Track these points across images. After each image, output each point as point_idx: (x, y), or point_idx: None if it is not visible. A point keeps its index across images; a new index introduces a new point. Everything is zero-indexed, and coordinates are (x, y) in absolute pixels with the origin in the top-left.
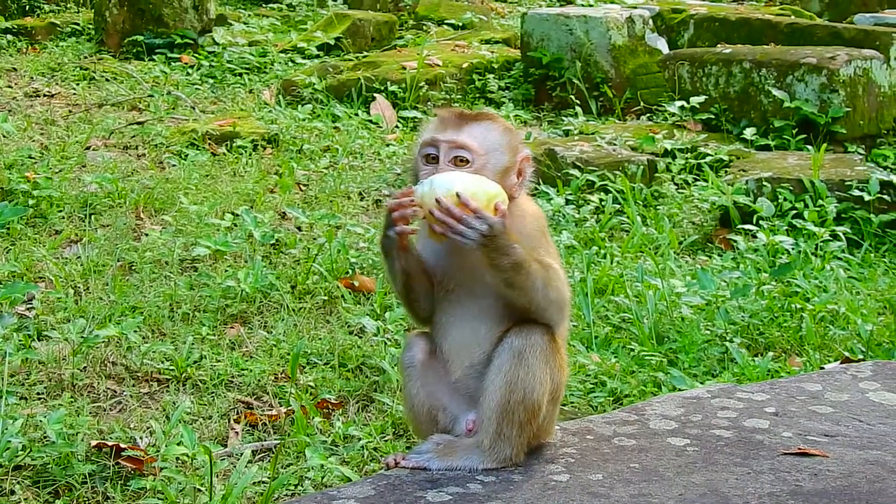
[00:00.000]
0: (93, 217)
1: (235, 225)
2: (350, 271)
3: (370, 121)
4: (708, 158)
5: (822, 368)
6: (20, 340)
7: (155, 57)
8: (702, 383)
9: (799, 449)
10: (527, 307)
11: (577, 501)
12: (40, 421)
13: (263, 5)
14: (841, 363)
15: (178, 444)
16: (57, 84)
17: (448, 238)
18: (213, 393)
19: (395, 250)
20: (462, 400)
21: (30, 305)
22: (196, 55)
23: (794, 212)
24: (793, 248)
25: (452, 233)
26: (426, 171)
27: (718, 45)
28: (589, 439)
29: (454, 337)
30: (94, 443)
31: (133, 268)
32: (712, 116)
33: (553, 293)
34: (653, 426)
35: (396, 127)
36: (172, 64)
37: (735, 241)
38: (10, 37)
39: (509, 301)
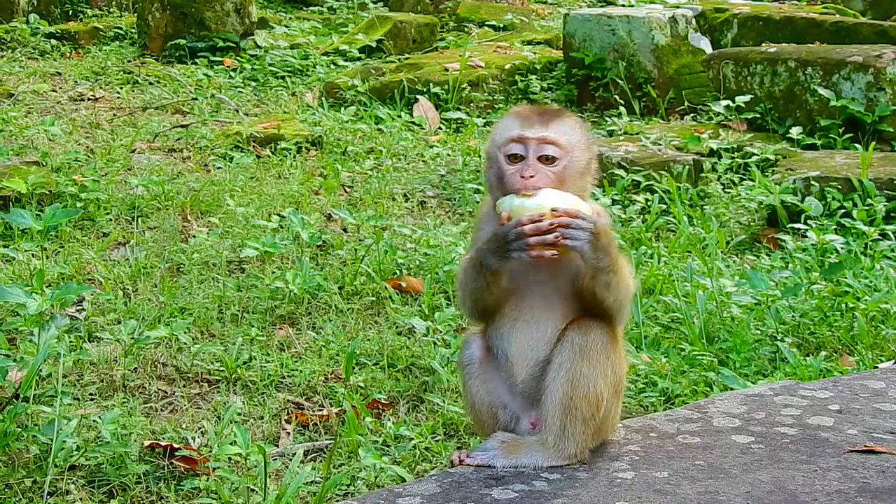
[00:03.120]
0: (140, 219)
1: (282, 226)
2: (397, 272)
3: (413, 122)
4: (754, 158)
5: (876, 368)
6: (72, 342)
7: (197, 60)
8: (753, 383)
9: (865, 446)
10: (610, 306)
11: (643, 499)
12: (94, 421)
13: (304, 8)
14: (894, 363)
15: (231, 444)
16: (101, 88)
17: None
18: (263, 393)
19: (503, 269)
20: (523, 399)
21: (80, 307)
22: (238, 58)
23: (843, 211)
24: (842, 248)
25: (565, 237)
26: (512, 170)
27: (763, 45)
28: (652, 437)
29: (520, 339)
30: (147, 443)
31: (181, 269)
32: (757, 116)
33: (631, 289)
34: (716, 424)
35: (439, 128)
36: (215, 67)
37: (783, 241)
38: (54, 41)
39: (596, 302)
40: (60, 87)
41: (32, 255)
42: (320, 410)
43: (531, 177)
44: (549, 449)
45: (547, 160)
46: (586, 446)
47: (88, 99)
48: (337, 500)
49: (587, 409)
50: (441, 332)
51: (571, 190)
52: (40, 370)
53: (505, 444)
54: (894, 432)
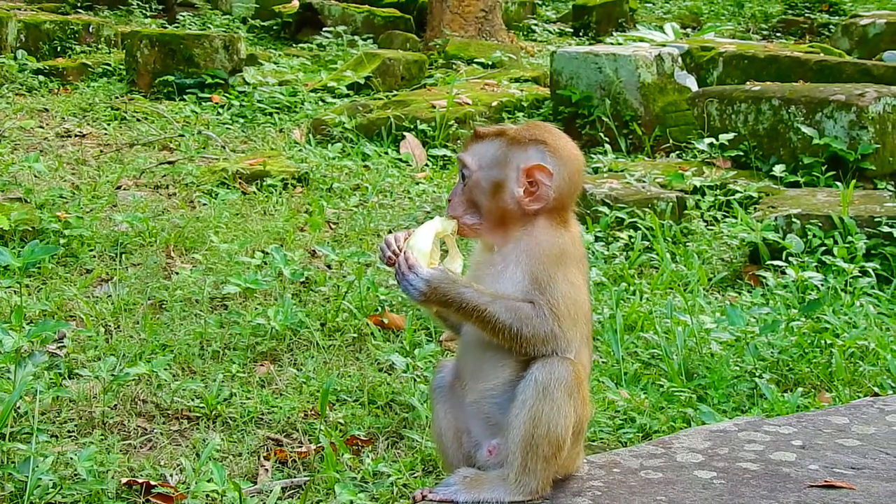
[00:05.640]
0: (123, 256)
1: (265, 263)
2: (379, 309)
3: (400, 159)
4: (737, 195)
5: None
6: (51, 378)
7: (185, 97)
8: (731, 419)
9: (825, 482)
10: (503, 343)
11: None
12: (71, 458)
13: (294, 45)
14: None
15: (207, 481)
16: (88, 124)
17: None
18: (242, 430)
19: None
20: (482, 424)
21: (61, 344)
22: (226, 95)
23: (824, 248)
24: (822, 285)
25: (399, 281)
26: None
27: (747, 83)
28: (616, 472)
29: (469, 359)
30: (124, 480)
31: (163, 306)
32: (741, 153)
33: (527, 330)
34: (679, 459)
35: (426, 165)
36: (203, 104)
37: (764, 278)
38: (42, 77)
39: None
40: (47, 124)
41: (14, 291)
42: (299, 447)
43: (450, 200)
44: (510, 485)
45: (463, 179)
46: (548, 483)
47: (75, 135)
48: None
49: (548, 448)
50: (421, 368)
51: (484, 205)
52: (17, 407)
53: (467, 480)
54: (855, 467)
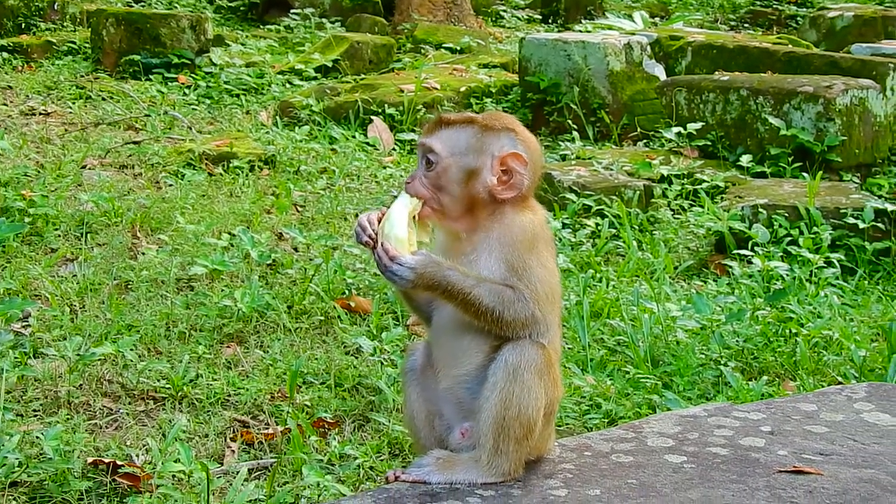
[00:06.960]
0: (89, 235)
1: (232, 245)
2: (346, 292)
3: (367, 143)
4: (704, 184)
5: None
6: (16, 357)
7: (152, 77)
8: (699, 405)
9: (794, 467)
10: (483, 326)
11: None
12: (37, 437)
13: (261, 27)
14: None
15: (174, 462)
16: (53, 102)
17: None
18: (209, 411)
19: None
20: (455, 408)
21: (26, 323)
22: (193, 75)
23: (790, 238)
24: (788, 275)
25: (383, 271)
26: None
27: (716, 73)
28: (587, 455)
29: (442, 345)
30: (90, 460)
31: (129, 286)
32: (709, 143)
33: (509, 314)
34: (650, 443)
35: (393, 149)
36: (169, 84)
37: (730, 267)
38: (5, 55)
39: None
40: (11, 101)
41: None
42: (266, 429)
43: (409, 182)
44: (483, 466)
45: (428, 164)
46: (520, 464)
47: (40, 113)
48: None
49: (519, 430)
50: (388, 351)
51: (453, 192)
52: None
53: (440, 461)
54: (823, 453)
